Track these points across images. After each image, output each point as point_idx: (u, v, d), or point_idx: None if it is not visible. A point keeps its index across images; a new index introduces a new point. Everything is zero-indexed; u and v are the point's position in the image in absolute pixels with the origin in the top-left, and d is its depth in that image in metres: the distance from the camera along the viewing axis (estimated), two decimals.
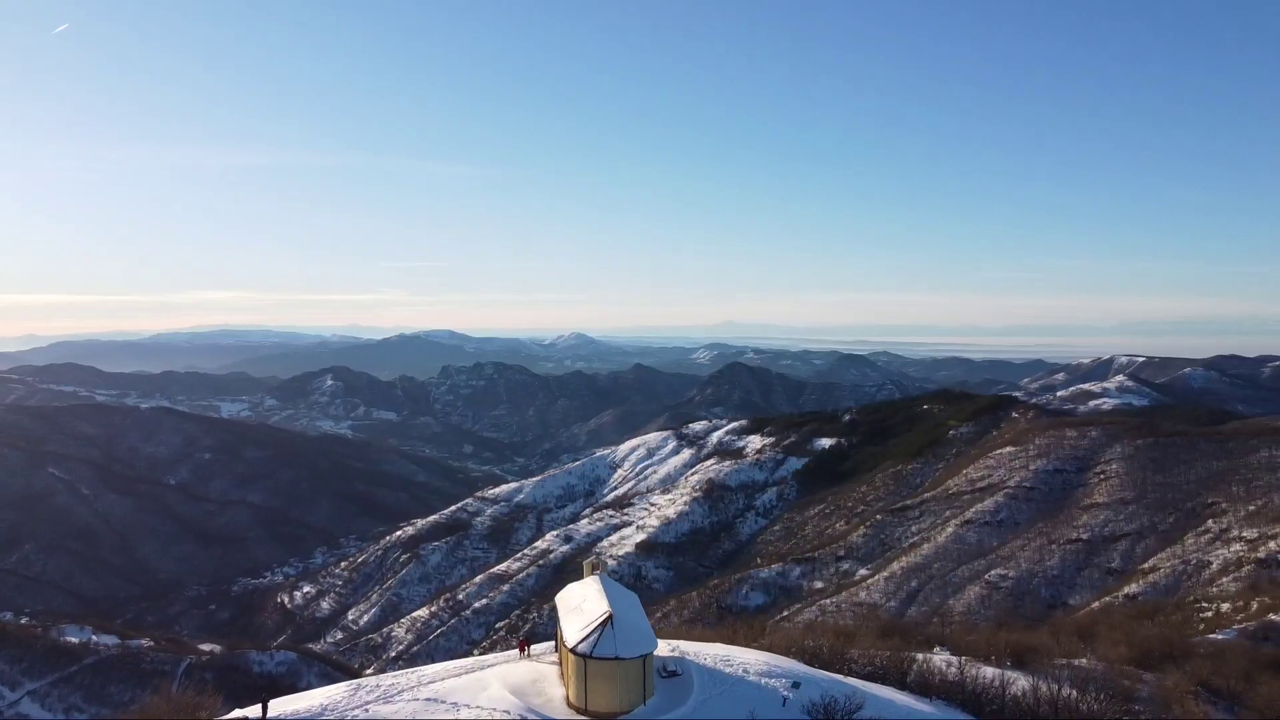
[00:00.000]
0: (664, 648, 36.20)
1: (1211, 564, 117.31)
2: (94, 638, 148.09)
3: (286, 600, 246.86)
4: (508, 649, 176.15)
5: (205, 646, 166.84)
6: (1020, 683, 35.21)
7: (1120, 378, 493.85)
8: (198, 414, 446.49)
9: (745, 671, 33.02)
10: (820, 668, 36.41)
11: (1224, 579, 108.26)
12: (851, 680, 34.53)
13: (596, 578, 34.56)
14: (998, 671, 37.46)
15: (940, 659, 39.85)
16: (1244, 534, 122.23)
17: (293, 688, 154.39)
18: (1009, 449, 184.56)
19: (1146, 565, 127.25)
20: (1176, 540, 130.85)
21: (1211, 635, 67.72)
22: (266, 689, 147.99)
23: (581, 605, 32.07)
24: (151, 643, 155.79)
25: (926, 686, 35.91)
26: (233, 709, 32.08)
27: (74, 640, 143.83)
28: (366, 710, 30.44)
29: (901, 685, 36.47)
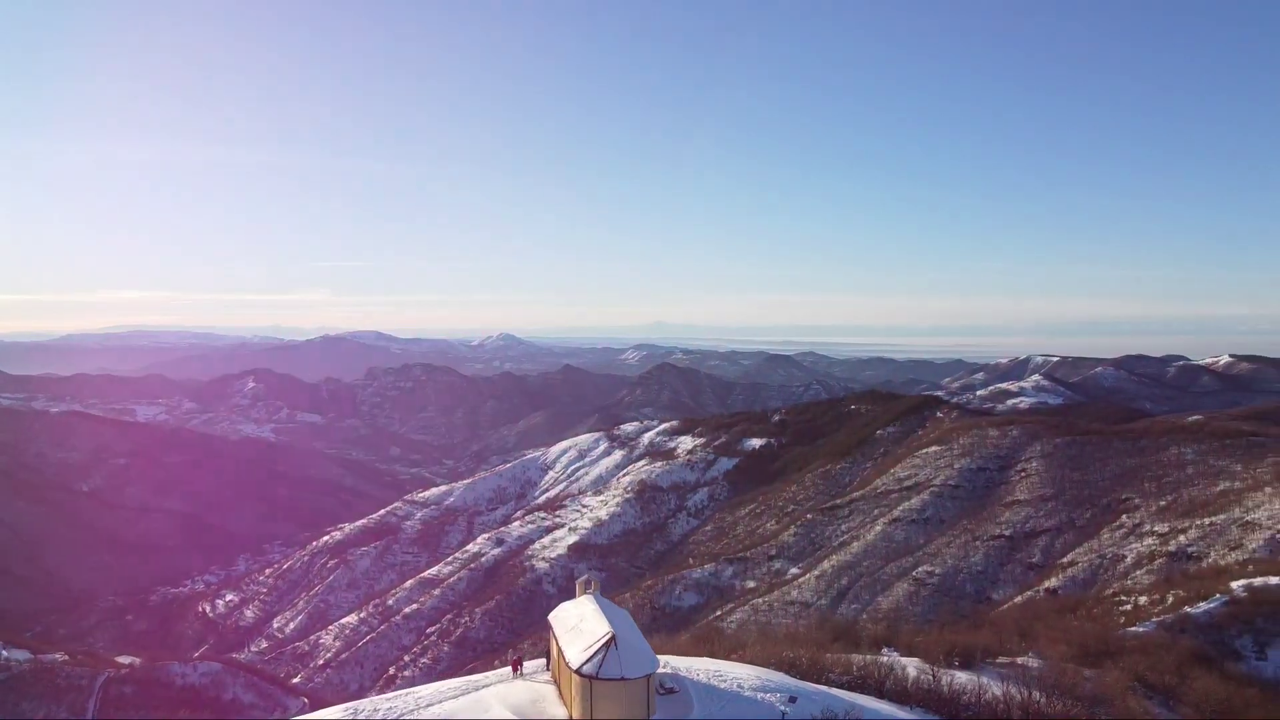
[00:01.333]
0: None
1: (1126, 558, 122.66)
2: (4, 652, 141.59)
3: (208, 609, 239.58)
4: (440, 654, 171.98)
5: (123, 659, 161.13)
6: (993, 689, 36.50)
7: (1036, 377, 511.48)
8: (111, 418, 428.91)
9: (739, 686, 33.45)
10: (799, 678, 37.07)
11: (1138, 572, 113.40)
12: (836, 691, 35.27)
13: (591, 596, 34.59)
14: (971, 676, 38.77)
15: (913, 666, 40.97)
16: (1156, 528, 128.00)
17: (217, 699, 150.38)
18: (934, 448, 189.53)
19: (1065, 560, 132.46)
20: (1093, 535, 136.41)
21: (1132, 628, 70.36)
22: (189, 702, 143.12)
23: (580, 625, 32.21)
24: (66, 656, 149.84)
25: (905, 695, 36.74)
26: None
27: None
28: None
29: (880, 694, 37.25)
